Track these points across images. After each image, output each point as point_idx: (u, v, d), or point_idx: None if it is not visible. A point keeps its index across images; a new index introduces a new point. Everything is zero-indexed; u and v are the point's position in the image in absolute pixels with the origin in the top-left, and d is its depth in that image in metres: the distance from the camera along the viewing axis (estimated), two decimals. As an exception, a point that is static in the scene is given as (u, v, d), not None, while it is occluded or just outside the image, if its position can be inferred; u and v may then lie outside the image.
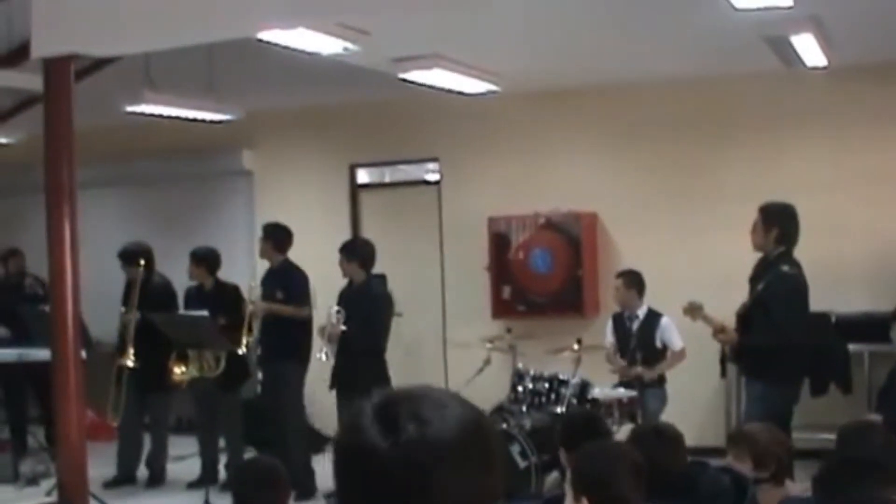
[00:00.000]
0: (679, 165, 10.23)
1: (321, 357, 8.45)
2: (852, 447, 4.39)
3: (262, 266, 9.38)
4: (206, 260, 9.44)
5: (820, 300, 7.59)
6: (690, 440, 4.73)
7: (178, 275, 9.65)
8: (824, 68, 8.43)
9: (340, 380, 8.59)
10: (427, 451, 1.48)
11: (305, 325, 9.01)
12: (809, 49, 7.79)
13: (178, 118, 9.76)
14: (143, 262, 9.24)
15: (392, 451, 1.47)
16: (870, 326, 8.54)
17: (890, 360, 7.05)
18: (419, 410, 1.51)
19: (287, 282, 9.05)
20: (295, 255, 9.24)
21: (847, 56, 8.54)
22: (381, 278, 9.03)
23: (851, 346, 7.98)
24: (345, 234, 10.51)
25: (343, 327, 8.45)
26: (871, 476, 3.88)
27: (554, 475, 5.91)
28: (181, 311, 9.36)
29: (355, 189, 11.69)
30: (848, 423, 4.85)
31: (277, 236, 9.18)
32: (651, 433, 4.55)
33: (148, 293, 9.22)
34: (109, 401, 9.22)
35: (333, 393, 8.68)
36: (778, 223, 7.27)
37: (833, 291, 8.77)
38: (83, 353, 7.18)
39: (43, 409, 10.00)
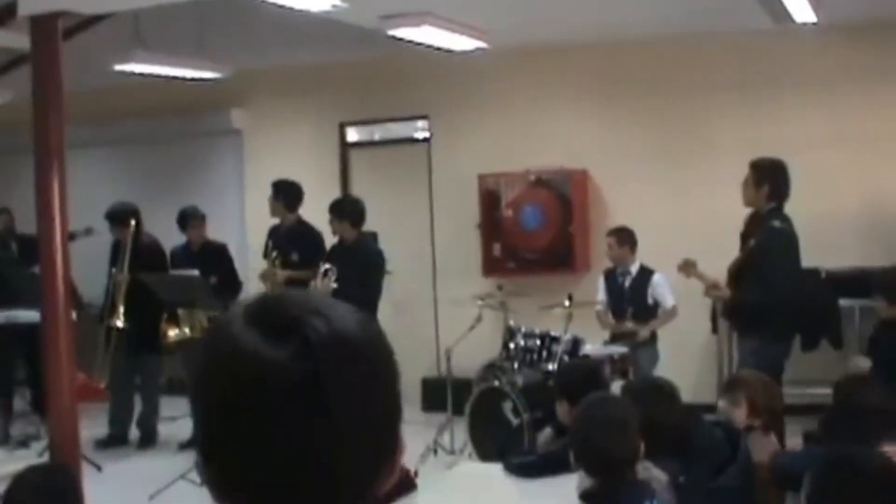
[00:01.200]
0: (670, 122, 10.22)
1: None
2: (849, 400, 4.39)
3: (254, 225, 9.32)
4: (201, 218, 9.43)
5: (811, 256, 7.57)
6: (683, 396, 4.72)
7: (167, 234, 9.59)
8: (814, 24, 8.39)
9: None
10: (342, 353, 1.17)
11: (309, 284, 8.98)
12: (799, 5, 7.73)
13: (166, 77, 9.67)
14: (133, 222, 9.16)
15: (296, 361, 1.15)
16: (860, 282, 8.43)
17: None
18: (316, 306, 1.20)
19: (303, 243, 9.01)
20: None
21: (837, 13, 8.49)
22: (373, 236, 9.00)
23: (842, 302, 8.00)
24: (335, 193, 10.46)
25: (334, 285, 8.40)
26: (870, 425, 3.90)
27: (547, 431, 5.90)
28: (171, 271, 9.29)
29: (345, 147, 11.64)
30: (844, 376, 4.86)
31: (288, 194, 9.15)
32: (646, 388, 4.55)
33: (137, 253, 9.15)
34: (99, 362, 9.17)
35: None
36: (769, 179, 7.25)
37: (823, 247, 8.78)
38: (73, 315, 7.15)
39: (30, 372, 9.97)
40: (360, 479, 1.21)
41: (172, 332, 8.69)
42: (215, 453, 1.21)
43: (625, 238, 8.84)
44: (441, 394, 8.86)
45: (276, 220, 9.36)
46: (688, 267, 7.50)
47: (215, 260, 9.25)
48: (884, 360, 6.22)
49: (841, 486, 3.17)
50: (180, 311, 8.65)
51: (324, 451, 1.17)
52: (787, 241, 7.18)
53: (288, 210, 9.07)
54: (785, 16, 8.01)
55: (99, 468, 8.54)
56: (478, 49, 9.18)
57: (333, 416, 1.16)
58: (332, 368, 1.16)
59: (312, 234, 9.07)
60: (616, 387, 7.98)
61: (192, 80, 9.92)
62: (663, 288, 8.72)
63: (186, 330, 8.64)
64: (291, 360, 1.15)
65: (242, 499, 1.20)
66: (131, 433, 9.72)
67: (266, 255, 8.99)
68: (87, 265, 9.13)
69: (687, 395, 4.65)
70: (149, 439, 9.67)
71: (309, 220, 9.31)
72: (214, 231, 9.68)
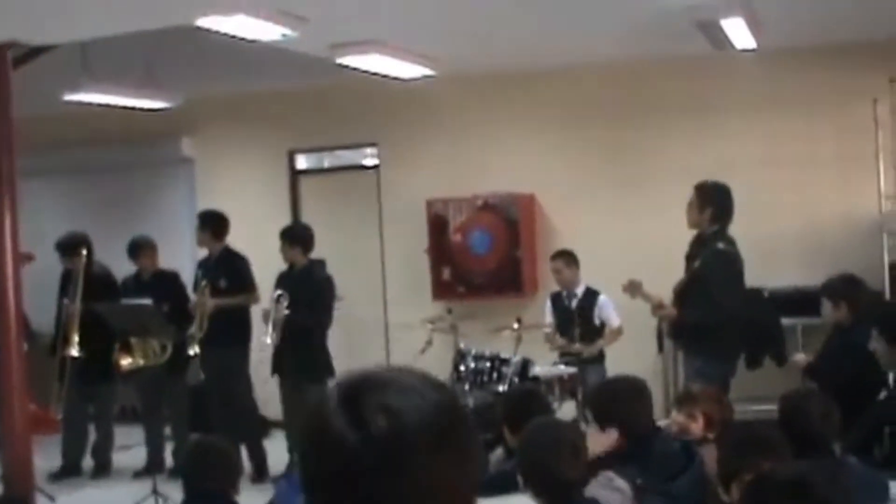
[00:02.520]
0: (615, 147, 10.30)
1: (267, 340, 8.37)
2: (794, 415, 4.44)
3: (205, 253, 9.26)
4: (153, 247, 9.38)
5: (754, 276, 7.68)
6: None
7: (118, 264, 9.52)
8: (753, 51, 8.52)
9: (283, 365, 8.51)
10: (398, 444, 1.38)
11: (247, 309, 8.98)
12: (739, 32, 7.86)
13: (116, 106, 9.59)
14: (84, 251, 9.08)
15: (361, 444, 1.37)
16: (801, 300, 8.64)
17: (820, 333, 7.13)
18: (387, 399, 1.41)
19: (229, 269, 8.97)
20: (236, 241, 9.18)
21: (776, 39, 8.65)
22: (321, 263, 8.98)
23: (784, 320, 8.05)
24: (284, 220, 10.42)
25: (286, 311, 8.37)
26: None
27: (498, 452, 5.91)
28: (122, 300, 9.20)
29: (294, 175, 11.63)
30: (788, 392, 4.91)
31: (214, 224, 9.09)
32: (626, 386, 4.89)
33: (88, 283, 9.05)
34: (52, 393, 9.06)
35: (276, 378, 8.66)
36: (713, 201, 7.30)
37: (766, 267, 8.87)
38: (25, 346, 7.07)
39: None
40: None
41: (125, 361, 8.59)
42: (309, 496, 1.45)
43: (572, 260, 8.91)
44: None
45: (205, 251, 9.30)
46: (633, 287, 7.51)
47: (167, 288, 9.17)
48: (828, 364, 6.29)
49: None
50: (133, 340, 8.57)
51: None
52: (731, 262, 7.23)
53: (215, 239, 9.03)
54: (726, 43, 8.13)
55: (52, 499, 8.39)
56: (426, 76, 9.21)
57: (380, 498, 1.38)
58: (387, 460, 1.37)
59: (239, 260, 9.03)
60: (567, 407, 8.07)
61: (142, 109, 9.84)
62: (609, 308, 8.79)
63: (139, 358, 8.56)
64: (359, 445, 1.38)
65: None
66: (85, 463, 9.58)
67: (196, 286, 8.94)
68: (36, 295, 9.00)
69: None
70: (103, 469, 9.54)
71: (254, 246, 9.26)
72: (166, 259, 9.60)
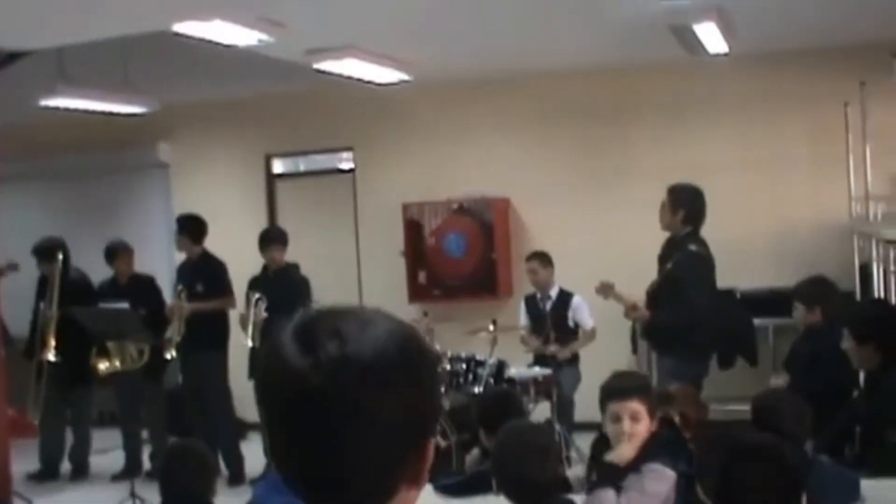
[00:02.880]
0: (588, 151, 10.34)
1: (248, 343, 8.35)
2: (767, 415, 4.47)
3: (182, 258, 9.24)
4: (130, 251, 9.35)
5: (726, 277, 7.70)
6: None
7: (95, 269, 9.48)
8: (726, 55, 8.55)
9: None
10: (348, 370, 1.34)
11: (224, 314, 8.97)
12: (711, 37, 7.89)
13: (93, 111, 9.55)
14: (60, 256, 9.04)
15: (313, 371, 1.34)
16: (773, 301, 8.63)
17: (791, 333, 7.16)
18: (339, 327, 1.37)
19: (206, 274, 8.96)
20: (212, 245, 9.15)
21: (748, 44, 8.68)
22: (296, 266, 8.99)
23: (756, 321, 8.09)
24: (261, 224, 10.42)
25: (265, 314, 8.35)
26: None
27: (474, 452, 5.92)
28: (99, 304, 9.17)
29: (271, 179, 11.61)
30: (761, 392, 4.93)
31: (192, 228, 9.07)
32: None
33: (65, 288, 9.03)
34: (30, 397, 9.02)
35: (252, 382, 8.58)
36: (685, 204, 7.30)
37: (738, 268, 8.90)
38: (2, 351, 7.02)
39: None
40: (367, 482, 1.39)
41: (103, 365, 8.55)
42: (267, 431, 1.42)
43: (547, 261, 8.92)
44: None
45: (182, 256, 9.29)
46: (605, 289, 7.51)
47: (143, 292, 9.14)
48: (801, 366, 6.32)
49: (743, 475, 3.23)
50: (110, 344, 8.54)
51: (328, 451, 1.36)
52: (703, 264, 7.22)
53: (193, 243, 9.02)
54: (699, 47, 8.16)
55: (30, 503, 8.36)
56: (402, 81, 9.22)
57: (333, 426, 1.35)
58: (336, 385, 1.34)
59: (216, 264, 9.02)
60: (541, 408, 8.07)
61: (119, 114, 9.80)
62: (583, 310, 8.81)
63: (116, 362, 8.53)
64: (310, 371, 1.34)
65: (284, 473, 1.42)
66: (63, 466, 9.55)
67: (175, 290, 8.95)
68: (12, 300, 8.98)
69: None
70: (81, 472, 9.52)
71: (231, 250, 9.25)
72: (142, 264, 9.56)
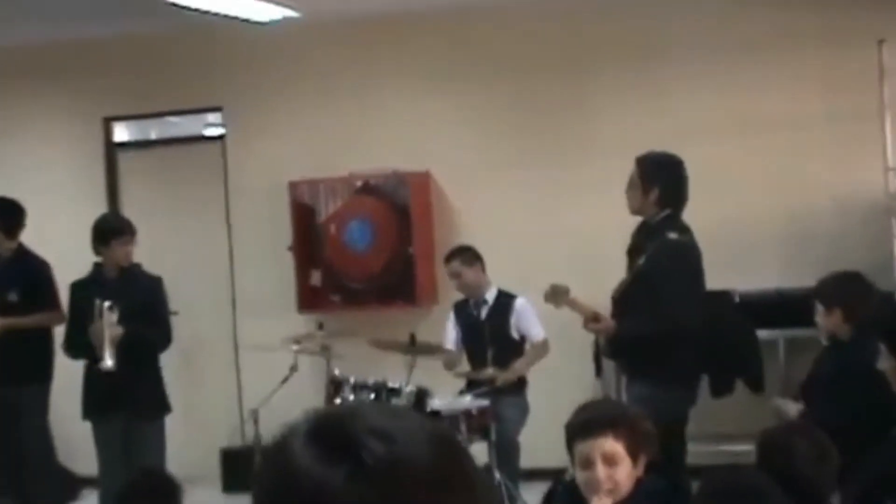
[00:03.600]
0: (535, 110, 10.31)
1: (107, 364, 8.12)
2: (777, 457, 4.44)
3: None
4: None
5: (719, 275, 7.72)
6: (557, 459, 4.75)
7: None
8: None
9: (109, 399, 8.22)
10: (397, 476, 1.38)
11: (47, 332, 8.90)
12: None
13: None
14: None
15: (348, 482, 1.37)
16: (783, 307, 8.68)
17: (811, 348, 7.16)
18: (377, 423, 1.42)
19: (22, 278, 8.91)
20: (30, 240, 9.12)
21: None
22: (138, 266, 8.79)
23: (761, 333, 8.10)
24: (100, 207, 10.34)
25: (119, 329, 8.09)
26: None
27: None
28: None
29: (111, 149, 11.52)
30: (770, 427, 4.87)
31: (7, 215, 8.95)
32: None
33: None
34: None
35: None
36: (660, 179, 7.31)
37: (735, 263, 8.96)
38: None
39: None
40: None
41: None
42: None
43: (471, 257, 8.87)
44: (247, 468, 8.64)
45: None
46: (558, 295, 7.47)
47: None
48: (822, 392, 6.32)
49: None
50: None
51: None
52: (686, 256, 7.25)
53: (6, 236, 8.92)
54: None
55: None
56: (286, 19, 9.11)
57: None
58: (388, 495, 1.38)
59: (36, 265, 9.01)
60: (477, 449, 7.96)
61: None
62: (529, 316, 8.80)
63: None
64: (345, 483, 1.38)
65: None
66: None
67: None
68: None
69: (564, 455, 4.51)
70: None
71: (58, 242, 9.15)
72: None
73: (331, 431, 1.43)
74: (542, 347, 8.79)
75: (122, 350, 8.11)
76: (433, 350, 8.72)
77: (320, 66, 10.70)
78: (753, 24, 9.77)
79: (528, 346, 8.81)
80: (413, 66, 10.58)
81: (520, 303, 8.79)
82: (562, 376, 9.07)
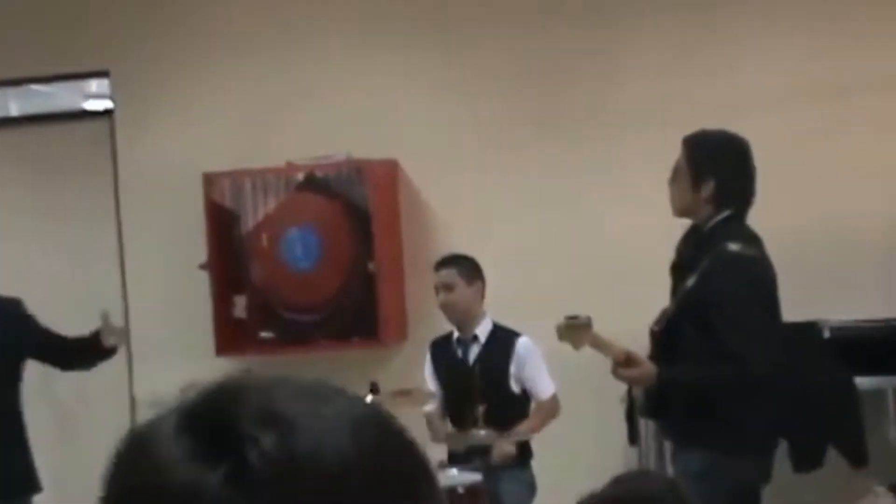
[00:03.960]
0: (539, 71, 10.28)
1: None
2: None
3: None
4: None
5: (801, 302, 7.87)
6: None
7: None
8: None
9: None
10: (298, 483, 1.32)
11: None
12: None
13: None
14: None
15: (227, 487, 1.30)
16: (891, 344, 8.70)
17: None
18: (273, 407, 1.36)
19: None
20: None
21: None
22: (15, 302, 8.90)
23: (861, 381, 8.17)
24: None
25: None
26: None
27: None
28: None
29: (-40, 128, 11.61)
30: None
31: None
32: None
33: None
34: None
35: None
36: (716, 168, 7.32)
37: (824, 286, 9.10)
38: None
39: None
40: None
41: None
42: None
43: (471, 270, 8.89)
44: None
45: None
46: (576, 330, 7.37)
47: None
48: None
49: None
50: None
51: None
52: (754, 275, 7.24)
53: None
54: None
55: None
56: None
57: None
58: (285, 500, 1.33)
59: None
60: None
61: None
62: (535, 364, 8.83)
63: None
64: (222, 488, 1.31)
65: None
66: None
67: None
68: None
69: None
70: None
71: None
72: None
73: (208, 417, 1.36)
74: (552, 407, 8.77)
75: None
76: (404, 399, 8.53)
77: (242, 18, 10.74)
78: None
79: (533, 406, 8.79)
80: (372, 20, 10.59)
81: (523, 344, 8.75)
82: (581, 442, 9.14)
